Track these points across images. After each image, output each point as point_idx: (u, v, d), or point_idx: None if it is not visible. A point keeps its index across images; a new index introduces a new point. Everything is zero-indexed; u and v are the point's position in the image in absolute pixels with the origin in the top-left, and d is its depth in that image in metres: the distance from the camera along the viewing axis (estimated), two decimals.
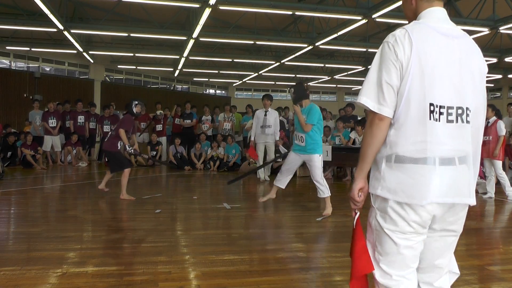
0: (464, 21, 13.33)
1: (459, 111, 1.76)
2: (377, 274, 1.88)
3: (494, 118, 7.86)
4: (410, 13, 1.95)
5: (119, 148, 6.76)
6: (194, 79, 29.14)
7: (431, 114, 1.72)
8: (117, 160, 6.81)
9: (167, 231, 4.81)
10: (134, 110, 6.86)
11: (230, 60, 22.02)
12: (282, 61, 20.21)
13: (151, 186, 8.78)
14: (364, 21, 12.77)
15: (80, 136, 12.60)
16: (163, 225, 5.13)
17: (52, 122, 12.23)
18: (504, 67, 23.07)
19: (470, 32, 14.64)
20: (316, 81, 27.78)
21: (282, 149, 9.68)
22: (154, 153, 12.61)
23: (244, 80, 28.14)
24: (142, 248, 4.05)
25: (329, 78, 25.91)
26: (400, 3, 11.20)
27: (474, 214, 6.74)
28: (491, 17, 13.06)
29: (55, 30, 14.51)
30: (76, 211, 5.84)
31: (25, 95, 19.28)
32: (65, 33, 14.83)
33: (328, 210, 5.67)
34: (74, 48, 17.68)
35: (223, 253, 3.98)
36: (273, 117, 9.24)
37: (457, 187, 1.76)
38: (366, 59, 21.52)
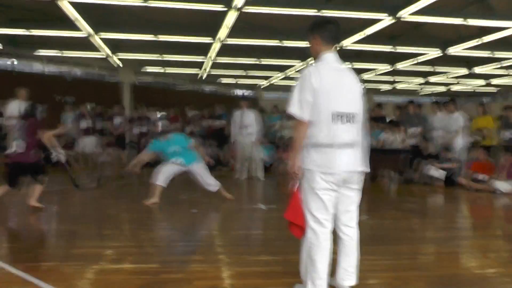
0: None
1: (350, 116, 2.85)
2: (310, 220, 2.85)
3: None
4: (315, 53, 3.03)
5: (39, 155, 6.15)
6: (222, 80, 29.26)
7: (333, 119, 2.80)
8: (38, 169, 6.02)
9: (202, 230, 4.89)
10: (38, 115, 6.38)
11: (257, 62, 22.02)
12: (309, 62, 20.12)
13: (188, 186, 8.84)
14: (392, 20, 12.60)
15: (117, 137, 12.88)
16: (198, 224, 5.20)
17: (84, 124, 12.49)
18: None
19: (502, 29, 14.26)
20: None
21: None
22: None
23: (270, 81, 28.11)
24: (177, 247, 4.12)
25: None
26: (428, 3, 11.10)
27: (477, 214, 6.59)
28: None
29: (85, 35, 14.85)
30: (114, 210, 5.96)
31: (57, 98, 19.75)
32: (95, 37, 15.16)
33: (228, 196, 6.88)
34: (103, 52, 18.03)
35: (258, 253, 4.01)
36: (251, 117, 9.26)
37: (353, 161, 2.89)
38: (394, 58, 21.13)
